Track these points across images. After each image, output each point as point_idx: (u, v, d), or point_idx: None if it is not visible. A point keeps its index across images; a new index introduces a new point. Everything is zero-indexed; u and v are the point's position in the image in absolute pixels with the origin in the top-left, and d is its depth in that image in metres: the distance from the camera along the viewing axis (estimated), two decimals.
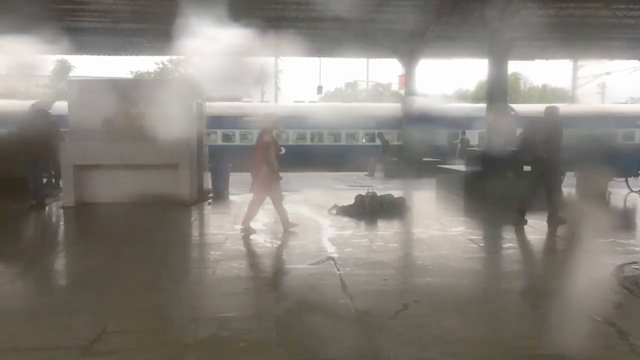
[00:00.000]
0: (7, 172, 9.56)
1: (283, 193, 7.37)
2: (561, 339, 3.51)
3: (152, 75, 36.42)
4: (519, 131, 8.85)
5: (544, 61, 22.71)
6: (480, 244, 6.84)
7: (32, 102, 19.11)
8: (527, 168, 10.23)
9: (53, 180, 10.81)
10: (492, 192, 9.84)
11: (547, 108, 7.84)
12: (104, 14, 14.46)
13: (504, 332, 3.78)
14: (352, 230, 7.42)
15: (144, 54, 21.22)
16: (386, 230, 7.82)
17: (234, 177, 11.38)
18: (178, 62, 36.06)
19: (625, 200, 10.94)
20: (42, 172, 10.01)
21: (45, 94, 31.82)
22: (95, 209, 9.33)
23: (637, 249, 6.36)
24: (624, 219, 9.33)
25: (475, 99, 34.70)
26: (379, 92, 42.65)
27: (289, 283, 5.25)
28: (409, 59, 17.27)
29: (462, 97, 40.44)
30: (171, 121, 8.77)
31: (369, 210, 8.57)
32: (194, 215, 8.95)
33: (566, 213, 7.58)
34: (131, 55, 20.00)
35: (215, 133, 20.39)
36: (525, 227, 7.52)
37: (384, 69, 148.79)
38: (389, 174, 15.54)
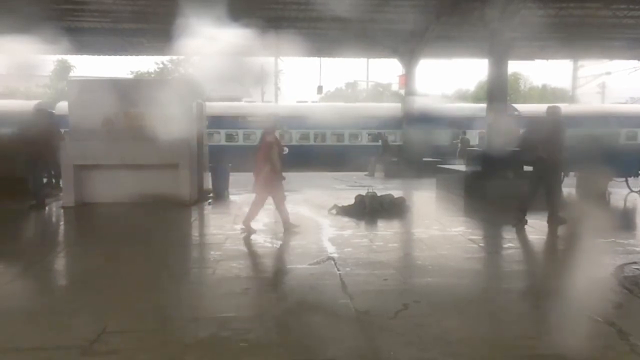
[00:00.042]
0: (7, 172, 9.56)
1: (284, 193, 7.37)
2: (561, 339, 3.51)
3: (152, 75, 36.42)
4: (522, 131, 8.86)
5: (544, 61, 22.72)
6: (480, 244, 6.84)
7: (36, 102, 19.15)
8: (527, 168, 10.26)
9: (53, 180, 10.82)
10: (492, 192, 9.84)
11: (549, 108, 7.83)
12: (104, 14, 14.46)
13: (504, 332, 3.78)
14: (352, 230, 7.42)
15: (144, 54, 21.22)
16: (386, 230, 7.82)
17: (234, 177, 11.39)
18: (178, 62, 36.07)
19: (625, 200, 10.94)
20: (42, 172, 10.01)
21: (45, 94, 31.81)
22: (95, 209, 9.33)
23: (637, 249, 6.36)
24: (624, 219, 9.33)
25: (475, 99, 34.71)
26: (379, 92, 42.65)
27: (289, 283, 5.25)
28: (409, 59, 17.28)
29: (462, 97, 40.46)
30: (171, 121, 8.77)
31: (369, 210, 8.57)
32: (194, 215, 8.95)
33: (566, 213, 7.58)
34: (131, 55, 20.00)
35: (219, 133, 20.43)
36: (525, 227, 7.52)
37: (384, 69, 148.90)
38: (389, 174, 15.55)
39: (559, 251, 6.86)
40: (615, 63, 31.26)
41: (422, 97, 19.22)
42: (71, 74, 34.23)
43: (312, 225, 7.65)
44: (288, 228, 7.10)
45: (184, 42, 11.29)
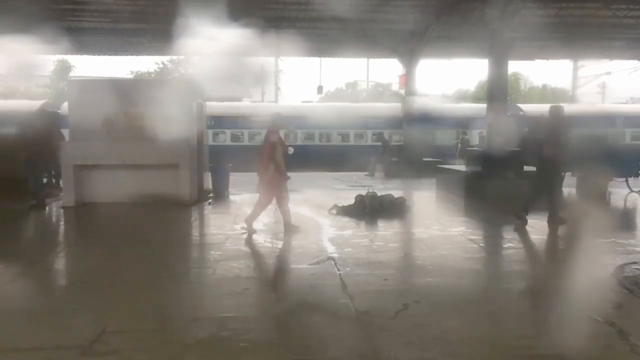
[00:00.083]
0: (7, 172, 9.56)
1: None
2: (561, 339, 3.51)
3: (152, 75, 36.42)
4: (524, 131, 8.86)
5: (544, 61, 22.69)
6: (480, 244, 6.84)
7: (42, 102, 19.23)
8: (527, 168, 10.27)
9: (53, 180, 10.81)
10: (492, 192, 9.85)
11: (552, 107, 7.84)
12: (104, 14, 14.44)
13: (504, 332, 3.78)
14: (352, 230, 7.42)
15: (144, 54, 21.21)
16: (386, 230, 7.82)
17: (234, 177, 11.39)
18: (178, 62, 36.08)
19: (625, 200, 10.94)
20: (42, 172, 10.02)
21: (45, 93, 31.81)
22: (95, 209, 9.33)
23: (637, 249, 6.36)
24: (624, 219, 9.33)
25: (475, 99, 34.71)
26: (379, 92, 42.65)
27: (289, 283, 5.26)
28: (409, 59, 17.26)
29: (462, 97, 40.47)
30: (171, 121, 8.78)
31: (369, 210, 8.57)
32: (194, 215, 8.95)
33: (566, 213, 7.58)
34: (131, 55, 20.00)
35: (224, 133, 20.44)
36: (525, 227, 7.52)
37: (384, 69, 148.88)
38: (389, 174, 15.55)
39: (559, 251, 6.86)
40: (615, 63, 31.27)
41: (422, 97, 19.21)
42: (71, 74, 34.23)
43: (312, 225, 7.65)
44: (289, 229, 7.09)
45: (184, 42, 11.29)
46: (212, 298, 4.52)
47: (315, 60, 43.53)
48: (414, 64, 17.38)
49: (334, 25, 14.61)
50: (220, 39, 11.50)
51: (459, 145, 19.25)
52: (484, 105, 13.12)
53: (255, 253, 6.29)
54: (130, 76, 35.06)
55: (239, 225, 7.38)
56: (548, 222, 7.60)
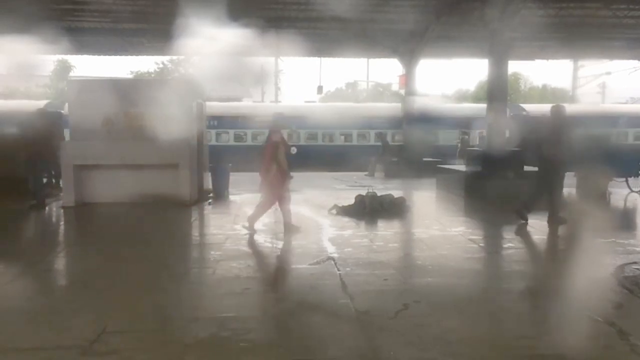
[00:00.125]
0: (7, 172, 9.56)
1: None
2: (561, 339, 3.51)
3: (152, 75, 36.42)
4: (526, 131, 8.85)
5: (544, 61, 22.70)
6: (480, 244, 6.84)
7: (45, 102, 19.27)
8: (527, 168, 10.28)
9: (53, 180, 10.81)
10: (492, 192, 9.85)
11: (553, 107, 7.83)
12: (104, 14, 14.45)
13: (504, 332, 3.78)
14: (352, 230, 7.42)
15: (144, 54, 21.22)
16: (386, 230, 7.82)
17: (234, 177, 11.39)
18: (178, 62, 36.09)
19: (625, 200, 10.94)
20: (42, 172, 10.02)
21: (45, 93, 31.82)
22: (95, 209, 9.33)
23: (637, 249, 6.36)
24: (624, 219, 9.33)
25: (475, 99, 34.71)
26: (379, 92, 42.65)
27: (289, 283, 5.26)
28: (409, 59, 17.26)
29: (462, 97, 40.46)
30: (171, 121, 8.77)
31: (369, 210, 8.56)
32: (194, 215, 8.94)
33: (566, 213, 7.58)
34: (131, 55, 20.01)
35: (227, 133, 20.45)
36: (526, 227, 7.52)
37: (384, 69, 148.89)
38: (389, 174, 15.55)
39: (559, 251, 6.86)
40: (615, 63, 31.32)
41: (422, 97, 19.21)
42: (71, 74, 34.24)
43: (312, 225, 7.65)
44: (289, 229, 7.09)
45: (184, 42, 11.30)
46: (212, 298, 4.52)
47: (315, 60, 43.59)
48: (414, 64, 17.38)
49: (334, 25, 14.61)
50: (220, 39, 11.50)
51: (459, 145, 19.24)
52: (484, 105, 13.13)
53: (255, 253, 6.29)
54: (130, 76, 35.07)
55: (239, 225, 7.38)
56: (548, 222, 7.60)
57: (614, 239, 6.61)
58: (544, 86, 43.49)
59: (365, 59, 32.61)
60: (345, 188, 12.31)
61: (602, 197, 10.15)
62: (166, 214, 8.79)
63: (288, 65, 79.05)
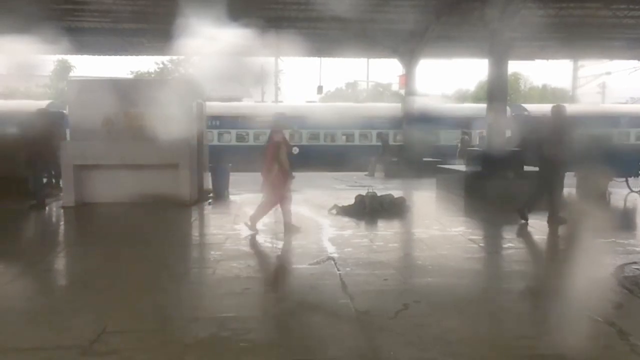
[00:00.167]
0: (7, 172, 9.56)
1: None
2: (561, 339, 3.51)
3: (152, 75, 36.42)
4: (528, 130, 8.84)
5: (544, 61, 22.70)
6: (480, 244, 6.84)
7: (47, 102, 19.29)
8: (527, 168, 10.28)
9: (53, 180, 10.81)
10: (492, 192, 9.84)
11: (554, 107, 7.83)
12: (104, 14, 14.45)
13: (504, 332, 3.79)
14: (352, 230, 7.42)
15: (144, 54, 21.23)
16: (386, 230, 7.82)
17: (234, 177, 11.39)
18: (178, 62, 36.08)
19: (625, 200, 10.94)
20: (42, 172, 10.02)
21: (46, 93, 31.83)
22: (95, 209, 9.33)
23: (637, 249, 6.36)
24: (624, 219, 9.33)
25: (475, 99, 34.71)
26: (379, 92, 42.65)
27: (289, 283, 5.26)
28: (409, 59, 17.26)
29: (462, 97, 40.46)
30: (171, 121, 8.77)
31: (369, 210, 8.56)
32: (194, 215, 8.94)
33: (566, 213, 7.58)
34: (131, 55, 20.01)
35: (229, 133, 20.46)
36: (526, 227, 7.52)
37: (384, 69, 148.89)
38: (389, 174, 15.55)
39: (559, 251, 6.86)
40: (615, 63, 31.31)
41: (422, 97, 19.20)
42: (71, 74, 34.24)
43: (312, 225, 7.65)
44: (289, 229, 7.08)
45: (184, 42, 11.29)
46: (212, 298, 4.52)
47: (315, 60, 43.57)
48: (414, 64, 17.38)
49: (334, 25, 14.62)
50: (220, 39, 11.50)
51: (459, 145, 19.24)
52: (484, 106, 13.13)
53: (255, 253, 6.29)
54: (130, 76, 35.07)
55: (239, 225, 7.38)
56: (548, 222, 7.60)
57: (614, 239, 6.61)
58: (544, 86, 43.50)
59: (365, 59, 32.65)
60: (345, 188, 12.31)
61: (602, 197, 10.14)
62: (166, 214, 8.79)
63: (288, 65, 79.14)
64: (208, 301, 4.45)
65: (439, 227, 7.66)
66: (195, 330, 3.68)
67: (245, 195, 10.61)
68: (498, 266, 6.00)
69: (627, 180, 11.90)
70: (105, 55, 20.63)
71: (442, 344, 3.48)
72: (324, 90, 37.00)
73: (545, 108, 7.97)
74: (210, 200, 10.26)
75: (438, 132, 20.92)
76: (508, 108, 21.25)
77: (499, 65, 11.10)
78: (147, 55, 26.65)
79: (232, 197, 10.67)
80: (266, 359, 3.31)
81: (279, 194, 7.07)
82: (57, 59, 32.47)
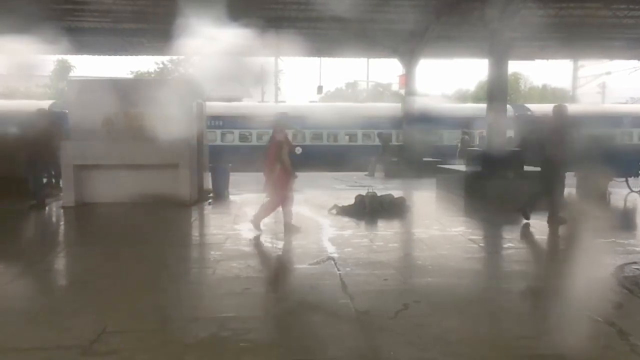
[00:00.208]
0: (7, 172, 9.56)
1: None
2: (561, 339, 3.51)
3: (152, 75, 36.42)
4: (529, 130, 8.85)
5: (544, 61, 22.71)
6: (480, 244, 6.84)
7: (51, 102, 19.32)
8: (527, 168, 10.27)
9: (53, 180, 10.81)
10: (492, 192, 9.84)
11: (555, 107, 7.83)
12: (104, 14, 14.46)
13: (504, 332, 3.78)
14: (352, 230, 7.42)
15: (144, 54, 21.25)
16: (386, 230, 7.82)
17: (234, 177, 11.39)
18: (178, 62, 36.07)
19: (625, 200, 10.94)
20: (42, 172, 10.02)
21: (46, 93, 31.83)
22: (95, 209, 9.33)
23: (637, 249, 6.37)
24: (624, 219, 9.33)
25: (475, 99, 34.71)
26: (379, 92, 42.64)
27: (289, 283, 5.26)
28: (409, 59, 17.27)
29: (462, 97, 40.46)
30: (171, 121, 8.77)
31: (369, 210, 8.56)
32: (194, 215, 8.94)
33: (566, 213, 7.58)
34: (131, 55, 20.03)
35: (232, 133, 20.47)
36: (528, 226, 7.52)
37: (384, 69, 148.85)
38: (389, 174, 15.55)
39: (559, 251, 6.85)
40: (615, 63, 31.31)
41: (422, 97, 19.21)
42: (71, 74, 34.23)
43: (312, 225, 7.65)
44: (289, 229, 7.08)
45: (184, 42, 11.29)
46: (212, 298, 4.52)
47: (315, 60, 43.57)
48: (414, 64, 17.39)
49: (334, 25, 14.62)
50: (220, 39, 11.49)
51: (459, 145, 19.24)
52: (484, 105, 13.13)
53: (255, 253, 6.28)
54: (130, 76, 35.07)
55: (239, 225, 7.38)
56: (548, 222, 7.60)
57: (614, 239, 6.62)
58: (544, 86, 43.48)
59: (365, 59, 32.66)
60: (345, 188, 12.31)
61: (602, 197, 10.14)
62: (166, 214, 8.79)
63: (288, 65, 79.19)
64: (208, 301, 4.45)
65: (439, 227, 7.66)
66: (195, 330, 3.68)
67: (245, 195, 10.62)
68: (498, 266, 6.01)
69: (627, 180, 11.89)
70: (105, 55, 20.64)
71: (442, 344, 3.48)
72: (324, 90, 37.02)
73: (548, 108, 7.97)
74: (210, 200, 10.26)
75: (438, 132, 20.92)
76: (511, 108, 21.34)
77: (499, 65, 11.10)
78: (147, 55, 26.69)
79: (232, 197, 10.67)
80: (266, 359, 3.31)
81: (281, 194, 7.07)
82: (57, 59, 32.51)
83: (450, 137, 21.15)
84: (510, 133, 13.88)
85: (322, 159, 17.91)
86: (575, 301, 4.19)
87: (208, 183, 10.99)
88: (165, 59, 35.52)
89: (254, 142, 20.06)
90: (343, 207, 8.71)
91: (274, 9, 14.24)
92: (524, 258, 6.33)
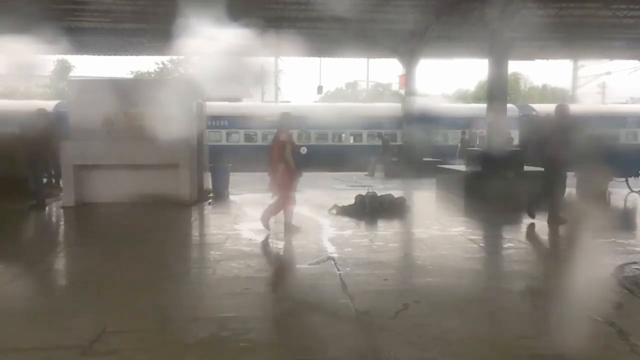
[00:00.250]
0: (7, 172, 9.56)
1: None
2: (561, 339, 3.51)
3: (152, 75, 36.42)
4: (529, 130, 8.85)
5: (544, 61, 22.72)
6: (480, 244, 6.85)
7: (55, 102, 19.33)
8: (527, 168, 10.27)
9: (53, 180, 10.82)
10: (492, 192, 9.84)
11: (557, 107, 7.83)
12: (104, 14, 14.46)
13: (504, 332, 3.78)
14: (352, 230, 7.42)
15: (144, 54, 21.25)
16: (386, 230, 7.82)
17: (234, 177, 11.39)
18: (178, 62, 36.07)
19: (625, 200, 10.94)
20: (42, 172, 10.02)
21: (46, 93, 31.82)
22: (95, 209, 9.33)
23: (637, 249, 6.36)
24: (624, 219, 9.33)
25: (475, 99, 34.71)
26: (379, 92, 42.63)
27: (289, 283, 5.26)
28: (409, 59, 17.27)
29: (462, 97, 40.46)
30: (171, 121, 8.77)
31: (369, 210, 8.56)
32: (194, 215, 8.94)
33: (566, 213, 7.58)
34: (131, 55, 20.03)
35: (238, 133, 20.51)
36: (533, 226, 7.52)
37: (384, 69, 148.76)
38: (389, 174, 15.55)
39: (559, 251, 6.85)
40: (615, 63, 31.33)
41: (422, 97, 19.21)
42: (71, 74, 34.23)
43: (312, 225, 7.65)
44: (289, 229, 7.09)
45: (184, 42, 11.29)
46: (212, 298, 4.52)
47: (315, 60, 43.58)
48: (414, 64, 17.39)
49: (334, 25, 14.63)
50: (220, 39, 11.49)
51: (459, 145, 19.24)
52: (483, 105, 13.13)
53: (255, 253, 6.28)
54: (130, 76, 35.06)
55: (239, 225, 7.38)
56: (548, 221, 7.60)
57: (614, 239, 6.62)
58: (544, 86, 43.45)
59: (365, 59, 32.66)
60: (346, 188, 12.31)
61: (602, 197, 10.14)
62: (166, 214, 8.79)
63: (288, 65, 79.18)
64: (208, 301, 4.45)
65: (439, 227, 7.66)
66: (195, 330, 3.68)
67: (245, 195, 10.62)
68: (498, 266, 6.01)
69: (627, 180, 11.89)
70: (105, 55, 20.64)
71: (442, 344, 3.48)
72: (324, 90, 37.02)
73: (553, 108, 7.98)
74: (210, 200, 10.26)
75: (438, 132, 20.93)
76: (516, 108, 21.33)
77: (499, 65, 11.10)
78: (147, 55, 26.65)
79: (232, 197, 10.67)
80: (266, 359, 3.31)
81: (285, 194, 7.07)
82: (57, 59, 32.53)
83: (450, 137, 21.16)
84: (516, 133, 13.86)
85: (325, 158, 17.93)
86: (575, 301, 4.19)
87: (208, 183, 11.00)
88: (165, 59, 35.53)
89: (260, 142, 20.08)
90: (343, 207, 8.72)
91: (274, 9, 14.24)
92: (524, 258, 6.32)
